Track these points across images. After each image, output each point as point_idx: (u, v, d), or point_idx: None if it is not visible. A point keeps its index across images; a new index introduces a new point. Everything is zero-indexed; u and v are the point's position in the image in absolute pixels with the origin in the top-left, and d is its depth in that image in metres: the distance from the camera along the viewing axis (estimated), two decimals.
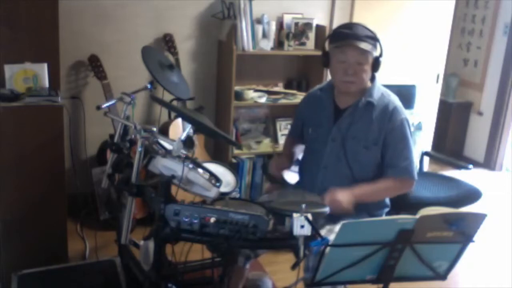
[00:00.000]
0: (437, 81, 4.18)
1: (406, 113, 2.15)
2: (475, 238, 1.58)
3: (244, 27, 3.29)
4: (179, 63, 3.34)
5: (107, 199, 3.13)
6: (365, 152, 2.12)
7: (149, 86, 2.68)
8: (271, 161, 2.34)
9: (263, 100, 3.53)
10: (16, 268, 2.37)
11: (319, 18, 3.72)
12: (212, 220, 1.63)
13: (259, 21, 3.45)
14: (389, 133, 2.10)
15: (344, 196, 1.99)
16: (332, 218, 1.99)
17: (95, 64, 3.14)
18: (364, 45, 2.03)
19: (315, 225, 1.58)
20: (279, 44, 3.56)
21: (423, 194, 2.70)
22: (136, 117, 3.28)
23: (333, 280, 1.58)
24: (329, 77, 3.63)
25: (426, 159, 3.58)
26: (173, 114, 3.30)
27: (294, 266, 1.60)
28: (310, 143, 2.28)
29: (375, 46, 2.08)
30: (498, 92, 4.78)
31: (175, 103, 3.13)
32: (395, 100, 2.16)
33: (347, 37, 2.05)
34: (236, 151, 3.55)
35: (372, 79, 2.17)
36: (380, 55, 2.11)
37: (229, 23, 3.32)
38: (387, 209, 2.24)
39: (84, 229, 3.09)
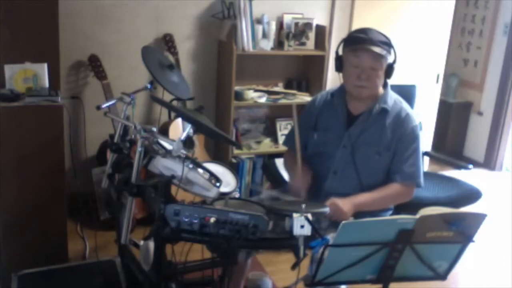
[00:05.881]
0: (437, 81, 4.18)
1: (417, 121, 2.15)
2: (475, 238, 1.58)
3: (244, 27, 3.29)
4: (179, 63, 3.34)
5: (107, 199, 3.12)
6: (377, 158, 2.12)
7: (149, 86, 2.68)
8: (294, 180, 2.14)
9: (263, 100, 3.53)
10: (16, 268, 2.36)
11: (319, 18, 3.72)
12: (212, 220, 1.63)
13: (259, 21, 3.45)
14: (399, 139, 2.11)
15: (344, 205, 1.98)
16: (336, 224, 1.98)
17: (95, 64, 3.14)
18: (378, 50, 2.02)
19: (315, 225, 1.58)
20: (279, 44, 3.56)
21: (423, 194, 2.69)
22: (136, 117, 3.28)
23: (333, 280, 1.58)
24: (329, 77, 3.69)
25: (426, 159, 3.58)
26: (173, 114, 3.30)
27: (294, 266, 1.60)
28: (315, 147, 2.23)
29: (389, 52, 2.08)
30: (498, 92, 4.77)
31: (175, 103, 3.13)
32: (407, 107, 2.17)
33: (362, 42, 2.04)
34: (236, 151, 3.55)
35: (385, 85, 2.17)
36: (394, 61, 2.11)
37: (229, 23, 3.32)
38: (390, 212, 2.24)
39: (84, 229, 3.09)
